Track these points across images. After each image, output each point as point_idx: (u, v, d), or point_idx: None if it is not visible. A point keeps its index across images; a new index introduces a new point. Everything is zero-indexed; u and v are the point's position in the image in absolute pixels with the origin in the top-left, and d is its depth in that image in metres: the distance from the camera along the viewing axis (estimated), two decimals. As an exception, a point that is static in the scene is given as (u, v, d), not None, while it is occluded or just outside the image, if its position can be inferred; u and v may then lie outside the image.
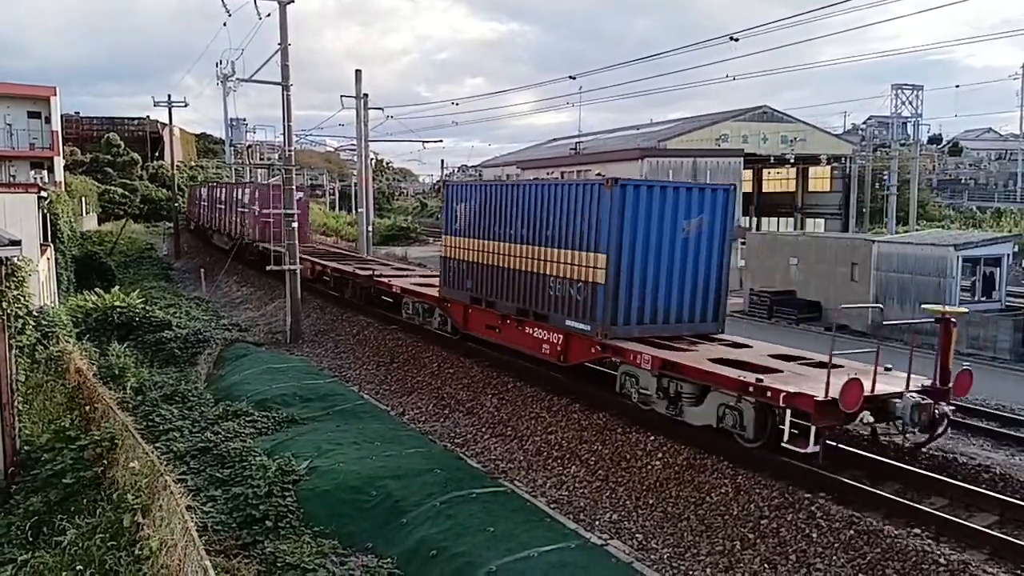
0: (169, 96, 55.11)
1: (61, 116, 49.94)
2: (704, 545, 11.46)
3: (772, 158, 47.12)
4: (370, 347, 24.04)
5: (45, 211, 25.23)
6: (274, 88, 25.72)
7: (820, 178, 54.28)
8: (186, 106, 56.76)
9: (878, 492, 11.55)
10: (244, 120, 69.55)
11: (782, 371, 13.07)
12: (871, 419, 12.08)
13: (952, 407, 12.59)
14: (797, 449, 11.73)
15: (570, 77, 53.63)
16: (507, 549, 10.06)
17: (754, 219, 56.42)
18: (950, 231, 39.74)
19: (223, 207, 46.71)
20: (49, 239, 25.78)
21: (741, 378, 12.45)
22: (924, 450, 13.15)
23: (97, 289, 28.00)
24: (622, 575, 10.34)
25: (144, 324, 23.47)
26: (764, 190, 58.18)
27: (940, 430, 12.45)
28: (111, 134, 79.15)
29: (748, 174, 51.50)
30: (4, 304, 12.11)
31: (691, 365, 13.56)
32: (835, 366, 12.06)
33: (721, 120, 45.89)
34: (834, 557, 10.38)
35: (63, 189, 41.30)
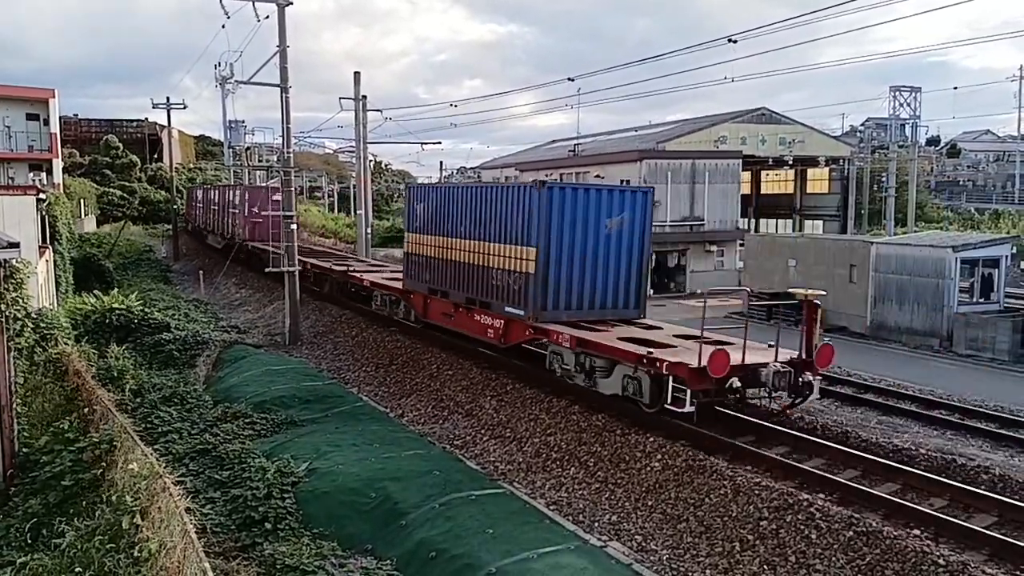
0: (168, 98, 55.11)
1: (60, 118, 49.93)
2: (703, 546, 11.46)
3: (771, 160, 47.15)
4: (369, 349, 24.03)
5: (44, 213, 25.22)
6: (273, 90, 25.74)
7: (818, 180, 54.30)
8: (185, 108, 56.74)
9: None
10: (243, 122, 69.59)
11: (675, 347, 15.03)
12: (739, 384, 13.71)
13: (819, 377, 14.87)
14: (676, 409, 13.69)
15: (569, 79, 53.69)
16: (506, 551, 10.05)
17: (752, 221, 56.45)
18: (948, 233, 39.79)
19: (216, 208, 48.73)
20: (48, 241, 25.76)
21: (637, 352, 14.49)
22: (796, 413, 15.42)
23: (96, 291, 28.01)
24: (621, 577, 10.33)
25: (143, 326, 23.45)
26: (762, 192, 58.21)
27: (807, 394, 14.57)
28: (110, 136, 79.17)
29: (747, 176, 51.47)
30: (3, 306, 12.09)
31: (601, 342, 15.60)
32: (722, 342, 14.34)
33: (720, 122, 45.91)
34: (833, 558, 10.38)
35: (62, 191, 41.28)
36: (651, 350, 14.50)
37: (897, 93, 46.83)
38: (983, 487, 12.18)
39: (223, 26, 29.34)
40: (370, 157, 53.32)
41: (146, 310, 24.96)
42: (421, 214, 22.70)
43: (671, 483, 13.02)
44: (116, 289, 31.00)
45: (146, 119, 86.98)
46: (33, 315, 15.96)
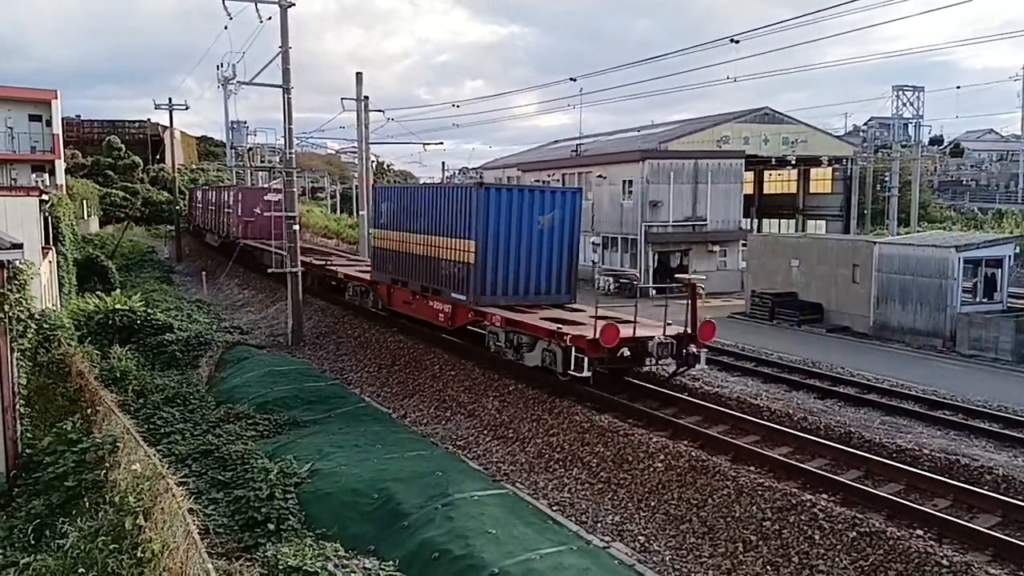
0: (170, 99, 55.18)
1: (62, 119, 49.97)
2: (706, 547, 11.45)
3: (773, 159, 47.00)
4: (371, 350, 24.04)
5: (47, 214, 25.24)
6: (275, 91, 25.77)
7: (821, 180, 54.15)
8: (187, 109, 56.80)
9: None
10: (245, 123, 69.55)
11: (584, 324, 17.15)
12: (628, 353, 16.24)
13: (704, 349, 17.53)
14: (576, 374, 16.14)
15: (571, 79, 53.63)
16: (509, 552, 10.05)
17: (755, 221, 56.35)
18: (952, 232, 39.71)
19: (213, 208, 51.10)
20: (51, 242, 25.78)
21: (549, 328, 16.98)
22: (679, 380, 18.21)
23: (98, 292, 28.03)
24: (624, 577, 10.31)
25: (145, 327, 23.49)
26: (765, 192, 58.07)
27: (693, 364, 17.26)
28: (112, 137, 79.25)
29: (749, 176, 51.32)
30: (6, 307, 12.11)
31: (524, 321, 18.02)
32: (625, 320, 17.11)
33: (722, 122, 45.79)
34: (837, 559, 10.37)
35: (64, 192, 41.33)
36: (560, 326, 16.99)
37: (900, 92, 46.70)
38: (986, 487, 12.16)
39: (225, 27, 29.44)
40: (372, 158, 53.31)
41: (149, 311, 24.99)
42: (385, 212, 25.19)
43: (674, 483, 13.01)
44: (119, 290, 31.05)
45: (148, 120, 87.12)
46: (36, 316, 15.97)
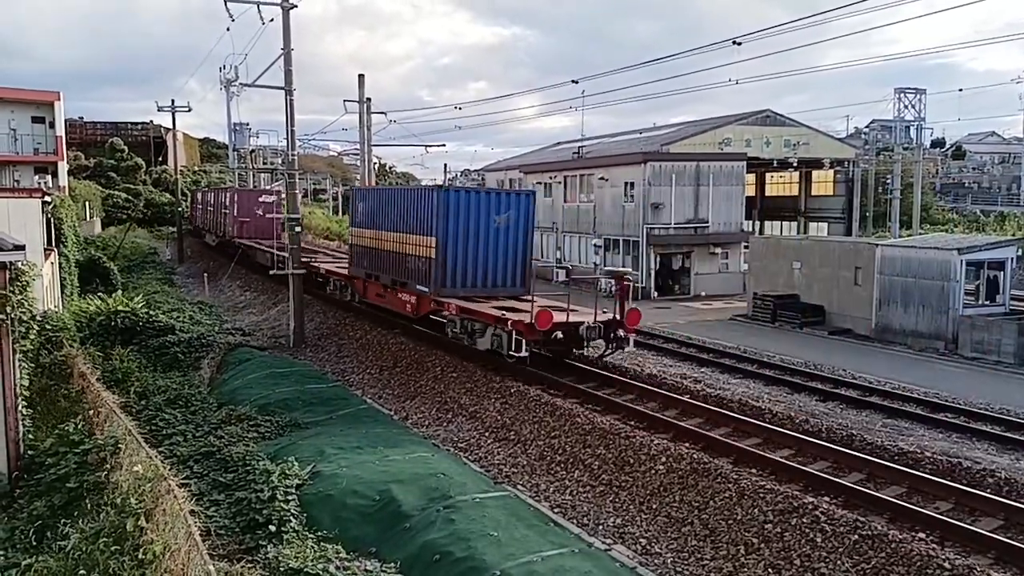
0: (173, 101, 55.26)
1: (65, 121, 50.05)
2: (708, 550, 11.44)
3: (775, 162, 46.96)
4: (373, 351, 24.04)
5: (49, 216, 25.26)
6: (277, 93, 25.77)
7: (823, 182, 54.13)
8: (189, 111, 56.95)
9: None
10: (247, 124, 69.91)
11: (528, 312, 18.35)
12: (561, 335, 18.31)
13: (633, 334, 19.45)
14: (515, 354, 17.99)
15: (573, 81, 53.75)
16: (510, 554, 10.04)
17: (757, 223, 56.32)
18: (954, 235, 39.67)
19: (212, 209, 53.24)
20: (53, 243, 25.80)
21: (495, 314, 18.83)
22: (608, 360, 20.02)
23: (100, 293, 28.05)
24: (626, 580, 10.30)
25: (147, 328, 23.50)
26: (767, 194, 58.05)
27: (623, 346, 19.20)
28: (115, 139, 79.39)
29: (751, 178, 51.30)
30: (8, 309, 12.12)
31: (474, 309, 19.87)
32: (563, 308, 19.02)
33: (724, 124, 45.78)
34: (839, 562, 10.36)
35: (67, 194, 41.39)
36: (505, 313, 18.81)
37: (902, 95, 46.78)
38: (989, 490, 12.14)
39: (227, 29, 29.45)
40: (374, 160, 53.36)
41: (151, 312, 25.00)
42: (361, 211, 27.19)
43: (675, 486, 13.01)
44: (120, 291, 31.08)
45: (151, 122, 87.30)
46: (39, 317, 15.98)
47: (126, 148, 78.30)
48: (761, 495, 11.95)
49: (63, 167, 47.00)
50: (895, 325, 25.21)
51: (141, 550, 8.69)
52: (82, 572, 8.86)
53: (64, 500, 11.01)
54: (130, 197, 70.66)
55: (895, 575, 9.85)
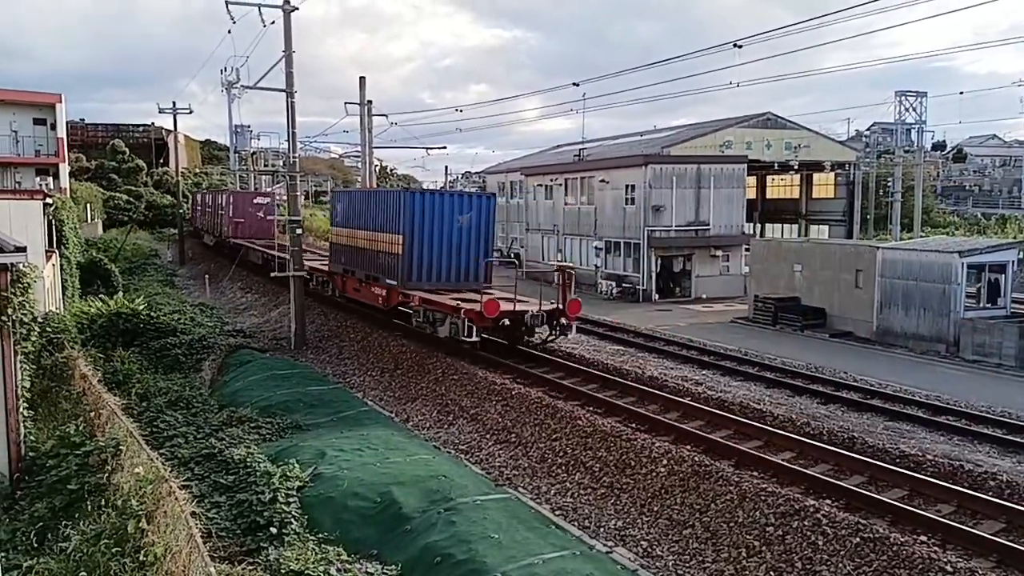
0: (174, 103, 55.30)
1: (66, 123, 50.09)
2: (709, 552, 11.43)
3: (776, 164, 46.99)
4: (374, 353, 24.04)
5: (50, 217, 25.27)
6: (278, 95, 25.77)
7: (824, 185, 54.17)
8: (191, 113, 57.23)
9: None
10: (248, 127, 69.70)
11: (479, 301, 20.17)
12: (508, 322, 20.43)
13: (574, 322, 21.48)
14: (466, 339, 20.15)
15: (574, 84, 53.75)
16: (511, 556, 10.03)
17: (758, 225, 56.34)
18: (955, 238, 39.65)
19: (210, 211, 55.17)
20: (54, 245, 25.81)
21: (451, 304, 20.89)
22: (554, 345, 22.16)
23: (102, 295, 28.05)
24: (627, 582, 10.29)
25: (149, 330, 23.49)
26: (768, 196, 58.08)
27: (565, 333, 21.33)
28: (116, 141, 79.46)
29: (752, 180, 51.35)
30: (9, 310, 12.13)
31: (433, 299, 21.89)
32: (515, 299, 20.88)
33: (725, 127, 45.81)
34: (840, 564, 10.34)
35: (68, 195, 41.40)
36: (459, 303, 20.72)
37: (903, 98, 46.69)
38: (990, 493, 12.13)
39: (229, 31, 29.46)
40: (375, 162, 53.39)
41: (152, 314, 25.00)
42: (340, 212, 29.31)
43: (677, 488, 12.99)
44: (122, 293, 31.08)
45: (152, 124, 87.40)
46: (40, 319, 15.99)
47: (127, 150, 78.38)
48: (763, 498, 11.94)
49: (64, 169, 47.01)
50: (896, 328, 25.21)
51: (142, 552, 8.69)
52: (83, 574, 8.86)
53: (65, 502, 11.01)
54: (131, 199, 70.70)
55: (897, 578, 9.83)
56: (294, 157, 26.64)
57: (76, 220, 35.98)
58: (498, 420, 17.29)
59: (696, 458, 13.52)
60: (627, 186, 36.99)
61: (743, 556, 11.10)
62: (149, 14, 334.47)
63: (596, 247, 39.03)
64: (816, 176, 53.71)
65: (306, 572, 9.49)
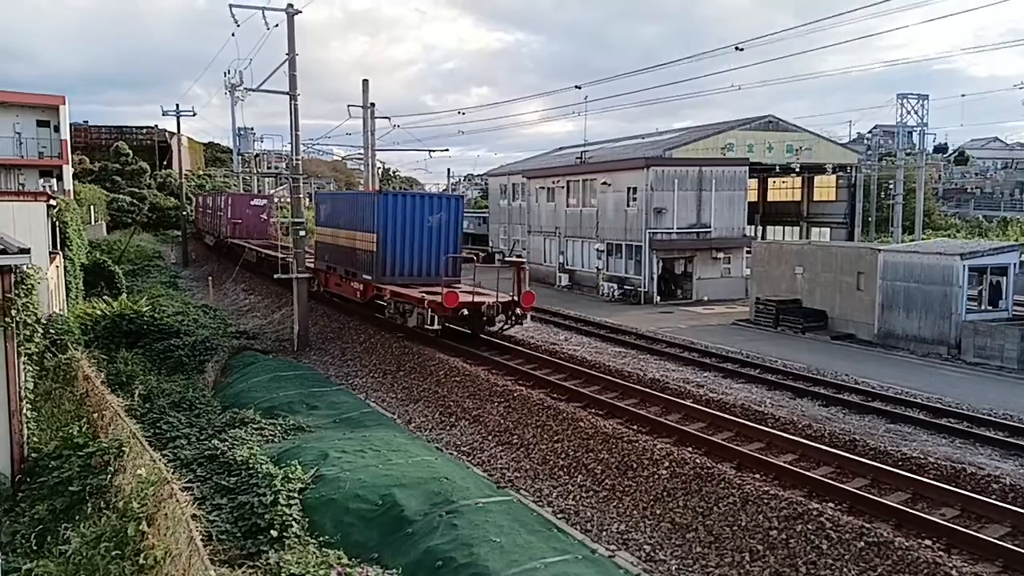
0: (177, 105, 55.43)
1: (70, 125, 50.14)
2: (712, 556, 11.40)
3: (777, 167, 46.95)
4: (376, 355, 24.04)
5: (54, 219, 25.29)
6: (281, 97, 25.83)
7: (825, 187, 54.10)
8: (194, 115, 57.28)
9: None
10: (252, 129, 69.73)
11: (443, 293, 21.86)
12: (467, 312, 22.47)
13: (529, 312, 23.51)
14: (430, 327, 22.29)
15: (576, 86, 53.80)
16: (513, 560, 10.00)
17: (759, 228, 56.30)
18: (956, 240, 39.60)
19: (211, 212, 57.35)
20: (58, 247, 25.84)
21: (417, 296, 22.92)
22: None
23: (105, 297, 28.05)
24: (629, 585, 10.26)
25: (152, 332, 23.50)
26: (769, 199, 58.03)
27: (521, 321, 23.35)
28: (119, 143, 79.46)
29: (753, 183, 51.32)
30: (13, 312, 12.12)
31: (401, 292, 24.10)
32: (466, 291, 23.28)
33: (726, 129, 45.80)
34: (844, 569, 10.32)
35: (72, 197, 41.45)
36: (424, 295, 22.64)
37: (904, 100, 46.67)
38: (994, 496, 12.10)
39: (232, 34, 29.55)
40: (378, 164, 53.38)
41: (155, 316, 25.01)
42: (323, 213, 31.51)
43: (679, 491, 12.97)
44: (125, 295, 31.10)
45: (156, 126, 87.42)
46: (43, 321, 15.99)
47: (131, 152, 78.36)
48: (765, 501, 11.92)
49: (68, 171, 47.06)
50: (898, 330, 25.17)
51: (142, 555, 8.67)
52: (82, 576, 8.84)
53: (66, 504, 10.98)
54: (135, 201, 70.74)
55: (900, 582, 9.81)
56: (297, 159, 26.67)
57: (80, 222, 36.02)
58: (500, 422, 17.28)
59: (698, 460, 13.50)
60: (629, 188, 36.98)
61: (746, 560, 11.08)
62: (152, 17, 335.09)
63: (598, 249, 39.01)
64: (817, 179, 53.67)
65: None
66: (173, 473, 10.58)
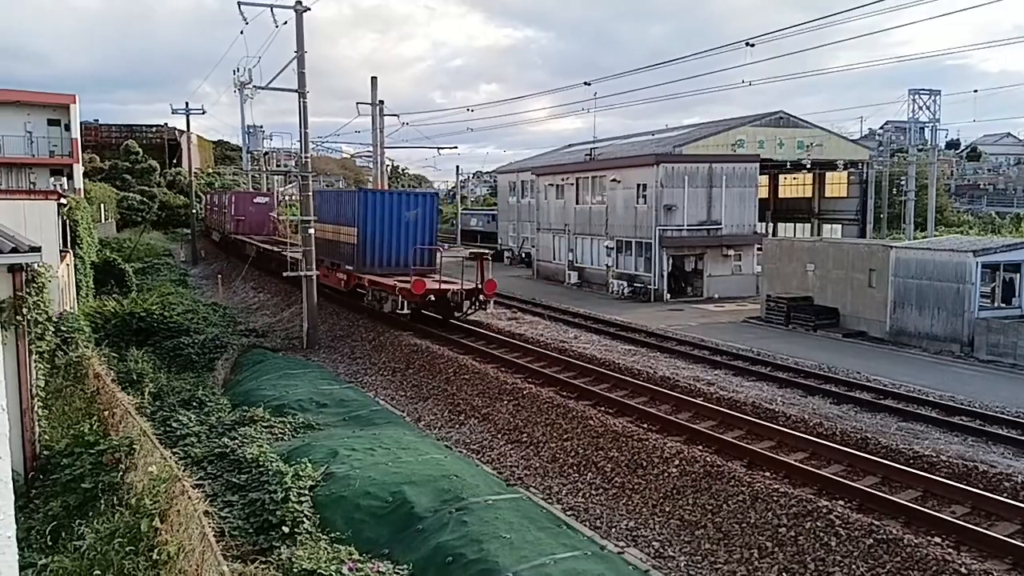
0: (187, 103, 55.64)
1: (80, 123, 50.40)
2: (722, 553, 11.39)
3: (788, 163, 46.79)
4: (386, 353, 24.09)
5: (65, 218, 25.43)
6: (291, 95, 25.85)
7: (837, 183, 53.86)
8: (203, 113, 57.62)
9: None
10: (261, 127, 69.92)
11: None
12: (434, 299, 24.60)
13: (493, 297, 25.65)
14: (400, 312, 24.73)
15: (585, 83, 53.72)
16: (523, 556, 10.02)
17: (770, 225, 56.11)
18: (969, 237, 39.37)
19: (216, 209, 60.16)
20: (69, 245, 25.98)
21: (391, 284, 25.08)
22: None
23: (115, 295, 28.19)
24: (639, 583, 10.26)
25: (162, 330, 23.62)
26: (780, 196, 57.83)
27: (484, 307, 25.70)
28: (129, 141, 79.91)
29: (764, 179, 51.10)
30: (24, 310, 12.20)
31: (379, 281, 26.38)
32: (435, 279, 25.27)
33: (737, 125, 45.64)
34: (854, 566, 10.29)
35: (82, 196, 41.68)
36: (396, 283, 24.72)
37: (916, 96, 46.42)
38: (1005, 495, 12.04)
39: (241, 32, 29.55)
40: (387, 161, 53.45)
41: (165, 314, 25.13)
42: (314, 209, 32.58)
43: (688, 489, 12.96)
44: (135, 293, 31.25)
45: (165, 124, 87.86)
46: (54, 319, 16.08)
47: (141, 150, 78.79)
48: (775, 498, 11.90)
49: (78, 169, 47.32)
50: (910, 328, 25.05)
51: (156, 551, 8.73)
52: (97, 572, 8.90)
53: (79, 500, 11.06)
54: (145, 199, 71.09)
55: (911, 580, 9.77)
56: (306, 157, 26.73)
57: (90, 220, 36.21)
58: (509, 420, 17.29)
59: (708, 458, 13.48)
60: (639, 185, 36.90)
61: (755, 557, 11.07)
62: (161, 16, 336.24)
63: (607, 247, 38.97)
64: (829, 175, 53.43)
65: (318, 571, 9.50)
66: (184, 471, 10.64)
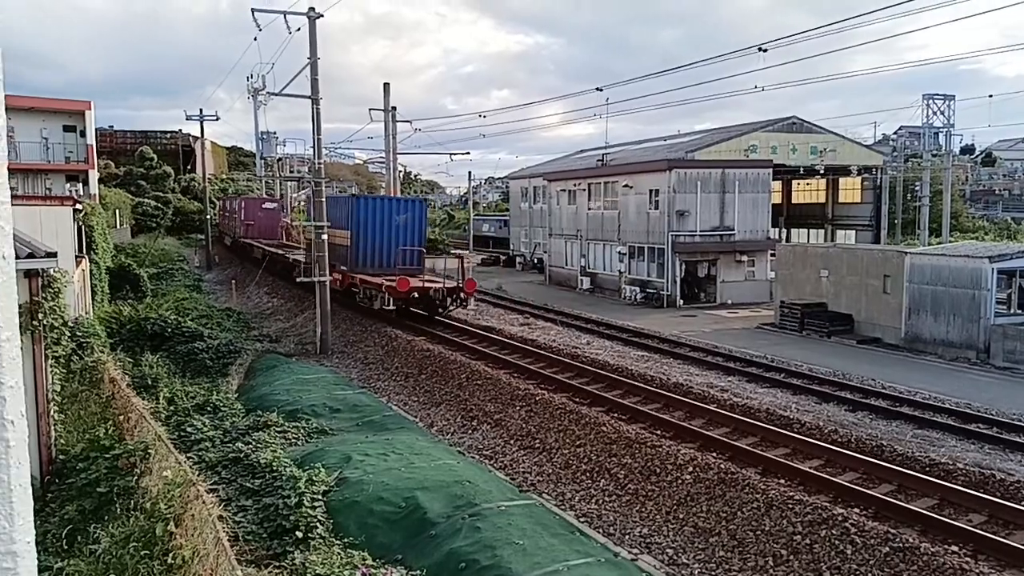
0: (201, 110, 56.01)
1: (95, 130, 50.78)
2: (736, 561, 11.32)
3: (802, 169, 46.60)
4: (399, 358, 24.12)
5: (80, 223, 25.62)
6: (304, 101, 25.98)
7: (851, 189, 53.62)
8: (217, 120, 57.66)
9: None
10: (274, 133, 70.14)
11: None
12: (417, 296, 26.53)
13: (473, 295, 27.97)
14: (386, 307, 26.55)
15: (597, 89, 53.68)
16: (536, 563, 9.99)
17: (784, 230, 55.88)
18: (984, 242, 39.08)
19: (228, 214, 62.23)
20: (84, 251, 26.15)
21: (379, 282, 26.91)
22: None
23: (130, 300, 28.35)
24: (653, 590, 10.21)
25: (176, 335, 23.72)
26: (794, 201, 57.60)
27: (465, 304, 27.62)
28: (144, 147, 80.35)
29: (777, 185, 50.97)
30: (40, 315, 12.30)
31: (370, 280, 28.05)
32: (429, 279, 28.48)
33: (749, 131, 45.52)
34: (869, 574, 10.21)
35: (97, 202, 41.95)
36: (384, 282, 26.50)
37: (930, 101, 46.14)
38: (1023, 503, 11.92)
39: (255, 39, 29.70)
40: (399, 168, 53.60)
41: (179, 319, 25.25)
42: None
43: (702, 496, 12.90)
44: (150, 298, 31.42)
45: (180, 131, 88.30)
46: (70, 324, 16.19)
47: (155, 156, 79.20)
48: (790, 506, 11.83)
49: (94, 175, 47.65)
50: (925, 334, 24.87)
51: (170, 555, 8.76)
52: (112, 576, 8.95)
53: (95, 504, 11.12)
54: (159, 205, 71.48)
55: (928, 589, 9.69)
56: (319, 163, 26.83)
57: (105, 226, 36.45)
58: (522, 426, 17.27)
59: (722, 465, 13.42)
60: (651, 191, 36.85)
61: (770, 565, 11.00)
62: (176, 23, 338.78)
63: (620, 252, 38.91)
64: (842, 180, 53.21)
65: (332, 576, 9.50)
66: (199, 475, 10.67)
